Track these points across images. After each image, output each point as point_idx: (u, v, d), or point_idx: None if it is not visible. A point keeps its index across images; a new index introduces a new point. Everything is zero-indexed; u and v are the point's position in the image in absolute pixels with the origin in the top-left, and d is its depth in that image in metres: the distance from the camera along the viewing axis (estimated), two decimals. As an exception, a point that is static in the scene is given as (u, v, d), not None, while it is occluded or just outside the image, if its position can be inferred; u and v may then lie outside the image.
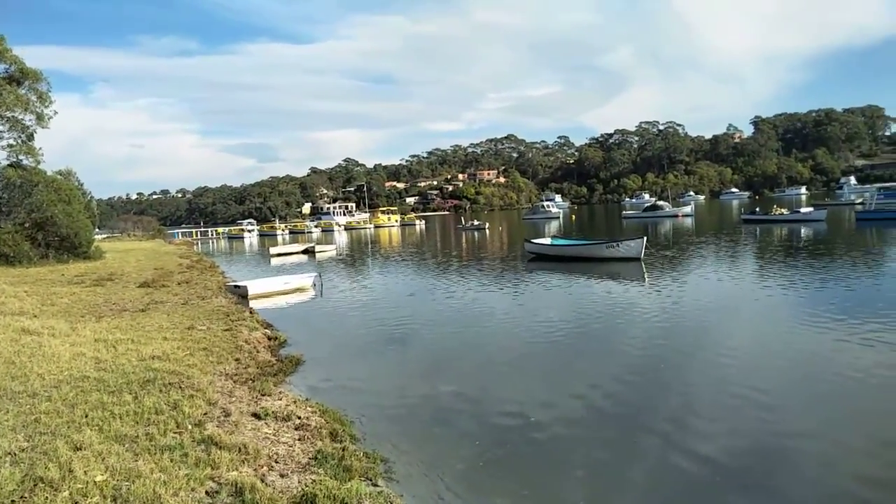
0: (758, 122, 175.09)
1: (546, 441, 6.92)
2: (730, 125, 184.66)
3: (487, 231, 57.25)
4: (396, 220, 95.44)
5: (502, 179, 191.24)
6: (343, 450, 6.17)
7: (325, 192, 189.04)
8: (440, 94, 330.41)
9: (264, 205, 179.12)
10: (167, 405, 6.85)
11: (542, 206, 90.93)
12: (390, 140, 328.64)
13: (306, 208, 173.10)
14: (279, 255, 41.85)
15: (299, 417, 7.13)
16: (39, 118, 33.20)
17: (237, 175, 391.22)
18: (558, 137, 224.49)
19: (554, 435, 7.08)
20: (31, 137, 33.48)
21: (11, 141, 32.81)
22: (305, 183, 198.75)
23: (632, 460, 6.35)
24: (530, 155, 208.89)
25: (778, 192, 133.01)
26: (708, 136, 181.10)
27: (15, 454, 5.29)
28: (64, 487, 4.68)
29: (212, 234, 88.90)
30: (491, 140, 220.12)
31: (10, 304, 14.31)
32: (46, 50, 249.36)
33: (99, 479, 4.88)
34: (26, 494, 4.56)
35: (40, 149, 33.51)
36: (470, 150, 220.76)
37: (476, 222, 66.24)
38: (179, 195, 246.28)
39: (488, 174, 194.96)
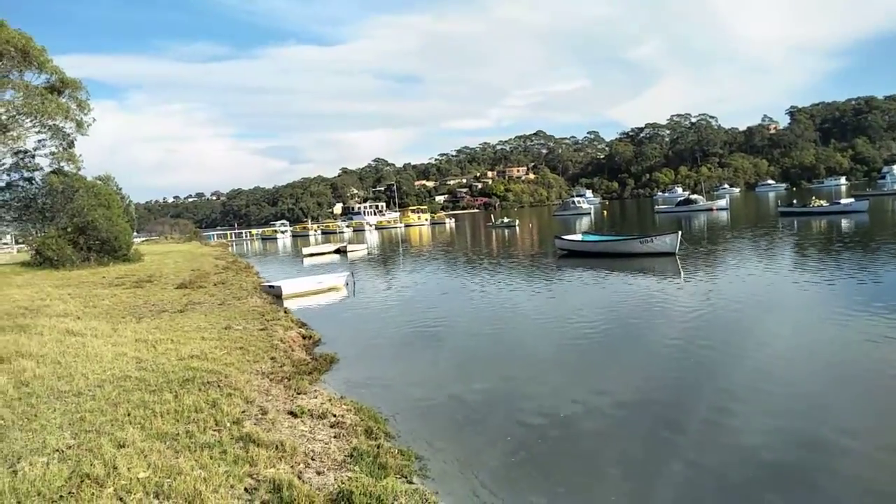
0: (794, 113, 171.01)
1: (580, 438, 6.86)
2: (765, 116, 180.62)
3: (518, 228, 57.02)
4: (426, 219, 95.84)
5: (532, 176, 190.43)
6: (378, 447, 6.21)
7: (355, 192, 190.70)
8: (466, 91, 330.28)
9: (296, 206, 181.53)
10: (206, 403, 6.98)
11: (573, 202, 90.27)
12: (418, 139, 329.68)
13: (337, 208, 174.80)
14: (312, 255, 42.35)
15: (334, 415, 7.21)
16: (79, 125, 34.16)
17: (269, 177, 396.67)
18: (588, 132, 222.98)
19: (588, 432, 7.03)
20: (71, 144, 34.47)
21: (53, 148, 33.84)
22: (336, 183, 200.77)
23: (668, 459, 6.26)
24: (560, 151, 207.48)
25: (816, 183, 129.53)
26: (742, 127, 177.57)
27: (62, 451, 5.46)
28: (109, 484, 4.81)
29: (246, 236, 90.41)
30: (520, 137, 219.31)
31: (54, 307, 14.77)
32: (83, 59, 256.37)
33: (142, 475, 5.00)
34: (73, 490, 4.70)
35: (80, 155, 34.49)
36: (499, 147, 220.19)
37: (506, 219, 66.06)
38: (214, 198, 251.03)
39: (518, 171, 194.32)
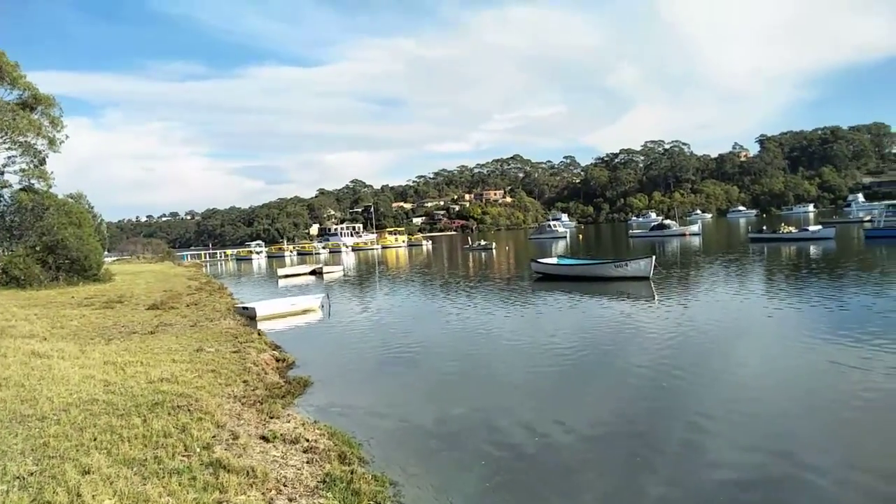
0: (764, 141, 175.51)
1: (555, 464, 6.85)
2: (735, 144, 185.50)
3: (494, 251, 57.27)
4: (403, 241, 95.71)
5: (509, 199, 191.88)
6: (352, 473, 6.13)
7: (332, 213, 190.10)
8: (447, 115, 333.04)
9: (272, 226, 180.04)
10: (175, 428, 6.83)
11: (549, 226, 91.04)
12: (398, 161, 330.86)
13: (314, 229, 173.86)
14: (287, 276, 41.98)
15: (308, 440, 7.10)
16: (51, 142, 33.70)
17: (246, 197, 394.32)
18: (564, 157, 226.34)
19: (563, 457, 7.01)
20: (42, 162, 33.99)
21: (24, 165, 33.31)
22: (313, 204, 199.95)
23: (641, 485, 6.27)
24: (536, 175, 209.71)
25: (785, 209, 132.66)
26: (714, 154, 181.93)
27: (24, 478, 5.28)
28: (72, 512, 4.66)
29: (220, 256, 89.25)
30: (497, 160, 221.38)
31: (20, 327, 14.38)
32: (57, 75, 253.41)
33: (107, 503, 4.86)
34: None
35: (52, 172, 34.03)
36: (476, 170, 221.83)
37: (483, 242, 66.32)
38: (188, 217, 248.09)
39: (495, 194, 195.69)
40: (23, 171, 33.40)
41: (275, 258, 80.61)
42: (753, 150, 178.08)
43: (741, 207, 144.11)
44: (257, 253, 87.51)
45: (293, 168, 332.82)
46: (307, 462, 6.45)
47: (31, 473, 5.40)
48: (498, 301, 21.27)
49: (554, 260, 29.95)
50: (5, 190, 33.71)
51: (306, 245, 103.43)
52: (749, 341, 12.95)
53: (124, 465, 5.69)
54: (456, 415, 8.76)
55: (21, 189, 33.06)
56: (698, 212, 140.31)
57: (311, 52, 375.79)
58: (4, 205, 33.47)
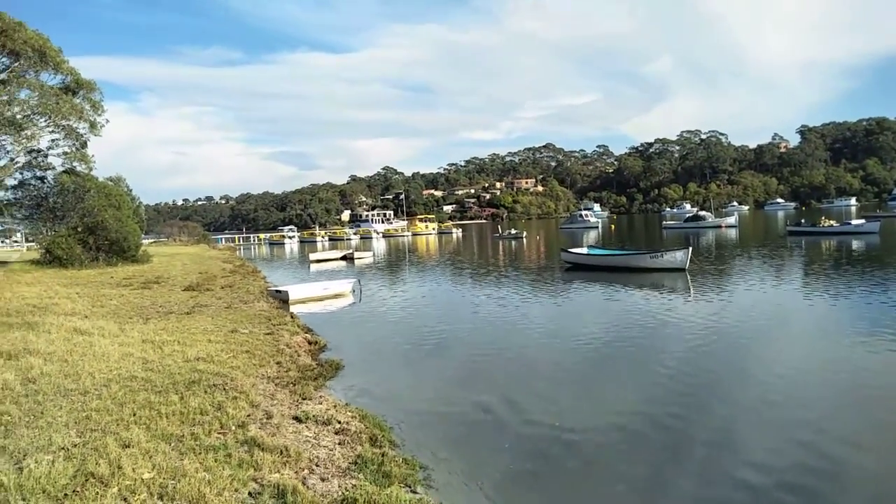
0: (804, 132, 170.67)
1: (585, 454, 6.81)
2: (775, 134, 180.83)
3: (525, 240, 56.97)
4: (434, 228, 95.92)
5: (540, 188, 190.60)
6: (382, 455, 6.18)
7: (363, 199, 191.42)
8: (477, 103, 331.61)
9: (304, 212, 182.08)
10: (211, 406, 6.98)
11: (581, 216, 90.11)
12: (428, 148, 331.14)
13: (345, 215, 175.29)
14: (318, 261, 42.44)
15: (339, 422, 7.18)
16: (92, 126, 34.44)
17: (279, 182, 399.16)
18: (597, 146, 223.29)
19: (593, 449, 6.97)
20: (84, 145, 34.74)
21: (66, 148, 34.12)
22: (345, 190, 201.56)
23: (674, 478, 6.20)
24: (568, 164, 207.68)
25: (826, 202, 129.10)
26: (752, 145, 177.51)
27: (68, 449, 5.45)
28: (113, 483, 4.80)
29: (254, 240, 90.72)
30: (529, 149, 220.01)
31: (63, 305, 14.83)
32: (95, 60, 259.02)
33: (146, 476, 4.99)
34: (78, 489, 4.69)
35: (93, 156, 34.75)
36: (507, 158, 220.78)
37: (513, 231, 66.04)
38: (223, 202, 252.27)
39: (526, 183, 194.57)
40: (65, 154, 34.23)
41: (307, 243, 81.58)
42: (794, 141, 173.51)
43: (780, 200, 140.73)
44: (290, 238, 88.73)
45: (325, 154, 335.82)
46: (339, 443, 6.53)
47: (75, 445, 5.58)
48: (527, 290, 21.18)
49: (584, 250, 29.65)
50: (49, 172, 34.66)
51: (338, 231, 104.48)
52: (787, 336, 12.66)
53: (162, 441, 5.83)
54: (485, 402, 8.76)
55: (63, 171, 33.92)
56: (735, 203, 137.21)
57: (342, 38, 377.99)
58: (48, 187, 34.40)
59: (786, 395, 8.54)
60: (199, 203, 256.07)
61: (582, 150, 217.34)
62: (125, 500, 4.60)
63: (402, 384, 9.99)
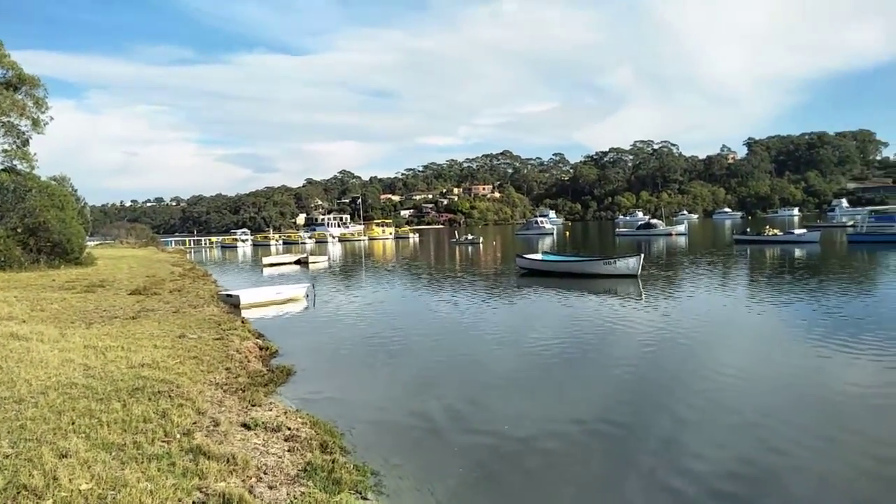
0: (751, 144, 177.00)
1: (535, 458, 6.85)
2: (723, 146, 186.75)
3: (481, 245, 57.31)
4: (391, 233, 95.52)
5: (497, 194, 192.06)
6: (333, 462, 6.10)
7: (320, 203, 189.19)
8: (437, 108, 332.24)
9: (259, 215, 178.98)
10: (156, 413, 6.76)
11: (536, 222, 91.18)
12: (387, 153, 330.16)
13: (301, 219, 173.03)
14: (272, 265, 41.74)
15: (289, 428, 7.06)
16: (35, 124, 33.22)
17: (233, 185, 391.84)
18: (553, 154, 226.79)
19: (545, 452, 7.03)
20: (26, 143, 33.51)
21: (6, 146, 32.84)
22: (301, 194, 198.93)
23: (623, 480, 6.30)
24: (525, 171, 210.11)
25: (770, 212, 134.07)
26: (702, 156, 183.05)
27: (-1, 460, 5.20)
28: (48, 495, 4.60)
29: (205, 243, 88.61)
30: (486, 155, 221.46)
31: (-1, 309, 14.17)
32: (40, 55, 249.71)
33: (84, 487, 4.80)
34: (9, 501, 4.48)
35: (35, 154, 33.55)
36: (465, 164, 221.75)
37: (470, 236, 66.32)
38: (174, 204, 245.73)
39: (483, 189, 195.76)
40: (5, 151, 32.94)
41: (260, 247, 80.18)
42: (741, 152, 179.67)
43: (727, 209, 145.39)
44: (243, 241, 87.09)
45: (281, 157, 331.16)
46: (288, 450, 6.41)
47: (7, 456, 5.32)
48: (483, 295, 21.29)
49: (539, 256, 30.02)
50: (-13, 170, 33.19)
51: (292, 234, 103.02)
52: (733, 340, 13.07)
53: (103, 450, 5.62)
54: (438, 407, 8.75)
55: (2, 170, 32.54)
56: (685, 212, 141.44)
57: (301, 40, 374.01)
58: (-14, 185, 32.94)
59: (732, 398, 8.80)
60: (149, 204, 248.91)
61: (538, 158, 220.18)
62: (60, 512, 4.41)
63: (354, 390, 9.90)
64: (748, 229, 51.30)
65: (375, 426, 7.97)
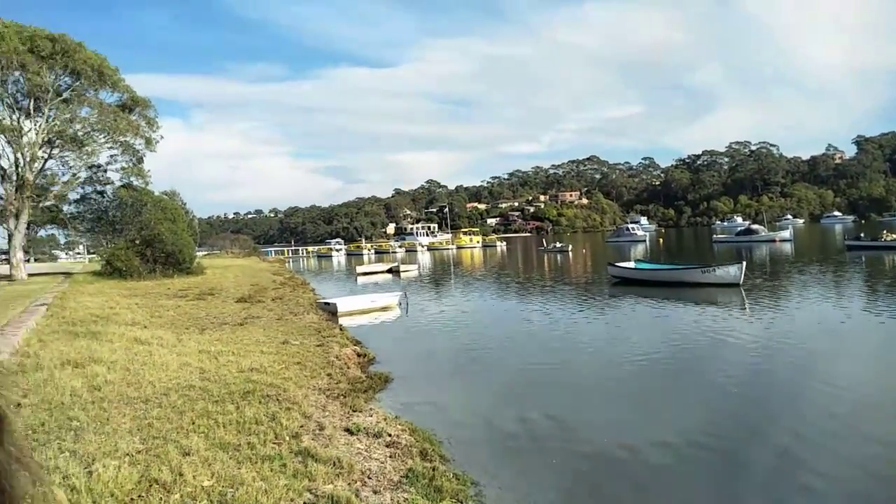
0: (861, 142, 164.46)
1: (639, 473, 6.67)
2: (829, 145, 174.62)
3: (570, 253, 56.41)
4: (478, 241, 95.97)
5: (585, 201, 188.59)
6: (433, 469, 6.20)
7: (408, 212, 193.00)
8: (519, 115, 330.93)
9: (351, 225, 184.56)
10: (266, 416, 7.12)
11: (627, 229, 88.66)
12: (471, 162, 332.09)
13: (391, 228, 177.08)
14: (365, 273, 42.95)
15: (390, 435, 7.23)
16: (148, 142, 35.86)
17: (325, 196, 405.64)
18: (643, 159, 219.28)
19: (647, 468, 6.82)
20: (140, 160, 36.23)
21: (124, 163, 35.65)
22: (390, 204, 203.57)
23: (737, 499, 6.01)
24: (614, 176, 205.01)
25: (888, 216, 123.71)
26: (805, 156, 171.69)
27: (132, 455, 5.65)
28: (175, 490, 4.95)
29: (302, 253, 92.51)
30: (572, 161, 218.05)
31: (123, 315, 15.40)
32: (150, 78, 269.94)
33: (206, 483, 5.13)
34: (143, 494, 4.86)
35: (149, 171, 36.17)
36: (551, 171, 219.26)
37: (559, 244, 65.48)
38: (272, 215, 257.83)
39: (570, 195, 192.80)
40: (123, 169, 35.74)
41: (353, 256, 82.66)
42: (849, 151, 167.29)
43: (836, 213, 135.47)
44: (337, 250, 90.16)
45: (369, 168, 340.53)
46: (390, 456, 6.57)
47: (139, 451, 5.77)
48: (574, 304, 20.95)
49: (632, 264, 29.16)
50: (108, 187, 36.25)
51: (383, 244, 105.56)
52: (850, 355, 12.17)
53: (220, 449, 5.98)
54: (534, 418, 8.69)
55: (122, 186, 35.40)
56: (789, 217, 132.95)
57: (381, 53, 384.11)
58: (108, 201, 35.95)
59: (849, 415, 8.20)
60: (249, 216, 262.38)
61: (627, 163, 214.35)
62: (187, 506, 4.74)
63: (450, 398, 10.00)
64: (862, 234, 47.50)
65: (473, 435, 8.02)
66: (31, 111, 31.16)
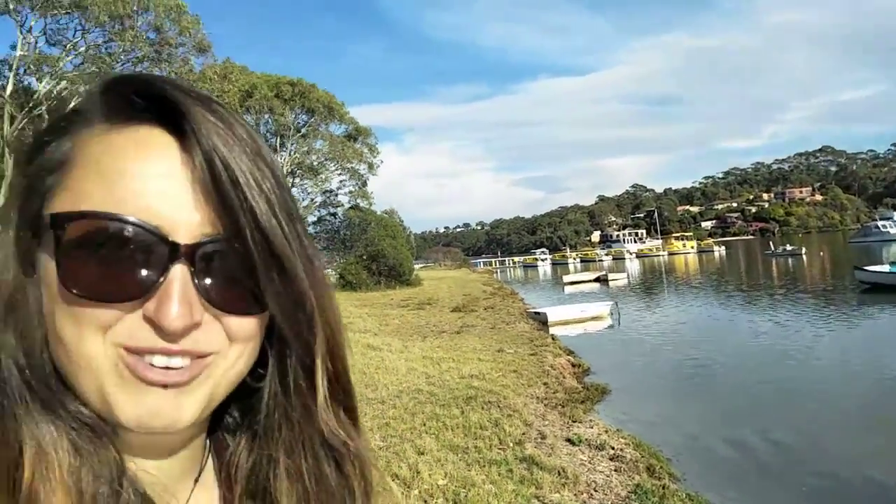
0: None
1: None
2: None
3: (804, 257, 50.18)
4: (692, 247, 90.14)
5: (818, 197, 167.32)
6: (663, 488, 5.92)
7: (613, 219, 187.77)
8: (731, 109, 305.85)
9: (554, 234, 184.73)
10: (489, 422, 7.38)
11: (877, 227, 76.62)
12: (679, 162, 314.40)
13: (595, 236, 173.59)
14: (572, 283, 42.58)
15: (612, 448, 7.06)
16: (370, 167, 39.52)
17: (528, 206, 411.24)
18: (892, 145, 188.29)
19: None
20: (364, 184, 40.06)
21: (351, 188, 39.72)
22: (593, 211, 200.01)
23: None
24: (854, 167, 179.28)
25: None
26: None
27: (374, 451, 6.20)
28: (414, 486, 5.35)
29: (508, 263, 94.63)
30: (800, 154, 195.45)
31: (356, 324, 17.07)
32: (371, 108, 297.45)
33: (441, 482, 5.47)
34: (386, 488, 5.33)
35: (371, 192, 39.80)
36: (775, 166, 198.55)
37: (789, 247, 58.66)
38: (479, 227, 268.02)
39: (800, 192, 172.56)
40: (351, 192, 39.85)
41: (559, 265, 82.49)
42: None
43: None
44: (542, 260, 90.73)
45: (571, 176, 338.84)
46: (615, 470, 6.42)
47: (380, 448, 6.35)
48: (812, 315, 18.59)
49: (886, 268, 25.05)
50: (339, 209, 40.63)
51: (589, 252, 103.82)
52: None
53: (450, 451, 6.33)
54: (771, 438, 7.88)
55: (350, 207, 39.42)
56: None
57: (584, 60, 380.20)
58: (339, 221, 40.27)
59: None
60: (458, 229, 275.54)
61: (871, 151, 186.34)
62: (425, 502, 5.10)
63: (672, 413, 9.50)
64: None
65: (702, 454, 7.52)
66: (278, 147, 36.09)
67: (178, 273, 0.48)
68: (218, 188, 0.48)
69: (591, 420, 8.38)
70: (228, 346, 0.52)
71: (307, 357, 0.57)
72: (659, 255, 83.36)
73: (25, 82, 20.44)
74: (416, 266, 58.34)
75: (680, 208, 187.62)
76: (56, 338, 0.49)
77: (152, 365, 0.49)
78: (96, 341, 0.48)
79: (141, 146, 0.49)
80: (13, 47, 19.21)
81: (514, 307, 23.35)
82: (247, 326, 0.53)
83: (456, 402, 8.26)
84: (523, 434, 7.11)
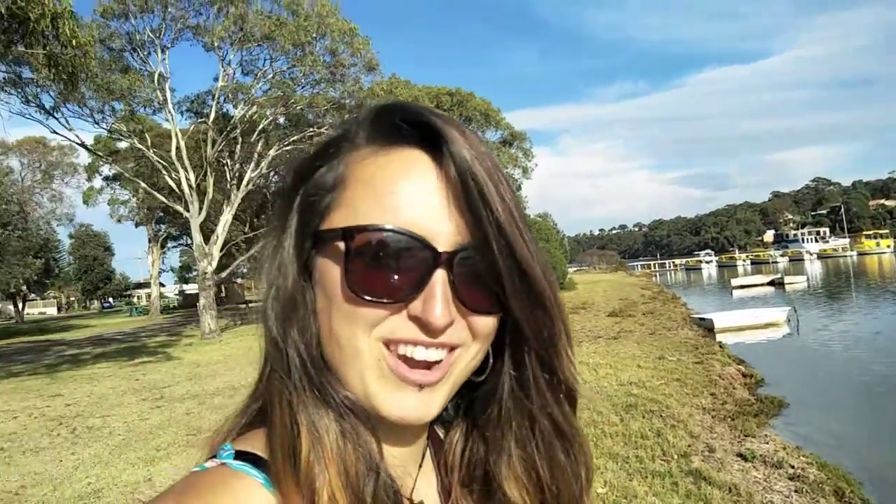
0: None
1: None
2: None
3: None
4: (888, 246, 79.75)
5: None
6: (854, 514, 5.36)
7: (789, 217, 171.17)
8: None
9: (721, 234, 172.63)
10: (651, 431, 7.13)
11: None
12: (869, 152, 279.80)
13: (768, 236, 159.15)
14: (741, 286, 39.59)
15: (792, 466, 6.49)
16: (525, 171, 39.68)
17: (689, 206, 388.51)
18: None
19: None
20: (518, 188, 40.24)
21: (507, 194, 40.20)
22: (766, 208, 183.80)
23: None
24: None
25: None
26: None
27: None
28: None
29: (669, 266, 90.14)
30: None
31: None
32: (525, 113, 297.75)
33: (601, 490, 5.39)
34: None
35: (526, 197, 39.94)
36: None
37: None
38: (636, 229, 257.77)
39: None
40: (506, 198, 40.27)
41: (726, 267, 77.00)
42: None
43: None
44: (707, 262, 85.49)
45: (738, 172, 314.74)
46: (795, 490, 5.89)
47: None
48: None
49: None
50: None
51: (761, 253, 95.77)
52: None
53: (610, 459, 6.21)
54: None
55: (509, 214, 39.92)
56: None
57: (751, 45, 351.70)
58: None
59: None
60: (614, 232, 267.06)
61: None
62: (585, 509, 5.05)
63: (863, 434, 8.53)
64: None
65: (900, 480, 6.66)
66: (441, 159, 37.59)
67: (441, 277, 0.55)
68: (468, 201, 0.55)
69: (765, 435, 7.76)
70: (471, 342, 0.60)
71: (546, 352, 0.63)
72: (846, 256, 74.68)
73: (224, 109, 23.42)
74: (570, 270, 57.48)
75: (872, 203, 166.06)
76: (330, 334, 0.58)
77: (412, 358, 0.57)
78: (364, 337, 0.56)
79: (406, 165, 0.57)
80: (216, 79, 22.08)
81: (676, 312, 22.17)
82: (488, 325, 0.60)
83: (615, 409, 8.09)
84: (689, 446, 6.78)
